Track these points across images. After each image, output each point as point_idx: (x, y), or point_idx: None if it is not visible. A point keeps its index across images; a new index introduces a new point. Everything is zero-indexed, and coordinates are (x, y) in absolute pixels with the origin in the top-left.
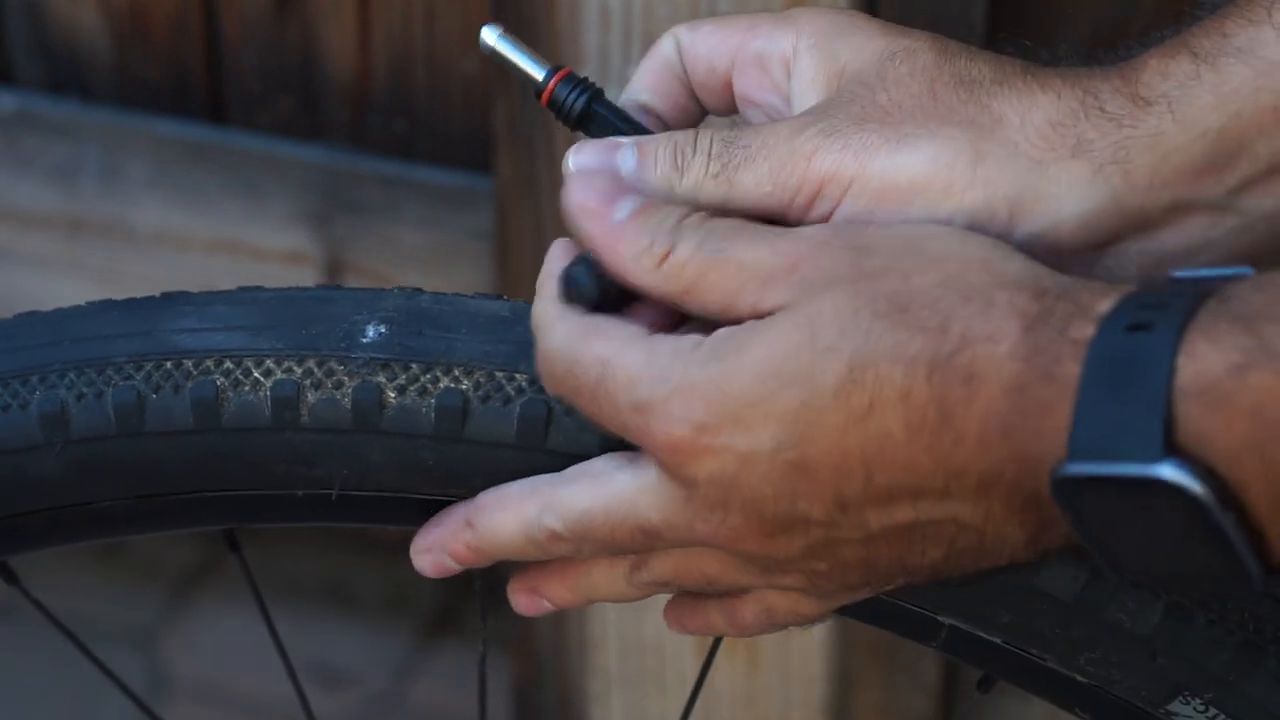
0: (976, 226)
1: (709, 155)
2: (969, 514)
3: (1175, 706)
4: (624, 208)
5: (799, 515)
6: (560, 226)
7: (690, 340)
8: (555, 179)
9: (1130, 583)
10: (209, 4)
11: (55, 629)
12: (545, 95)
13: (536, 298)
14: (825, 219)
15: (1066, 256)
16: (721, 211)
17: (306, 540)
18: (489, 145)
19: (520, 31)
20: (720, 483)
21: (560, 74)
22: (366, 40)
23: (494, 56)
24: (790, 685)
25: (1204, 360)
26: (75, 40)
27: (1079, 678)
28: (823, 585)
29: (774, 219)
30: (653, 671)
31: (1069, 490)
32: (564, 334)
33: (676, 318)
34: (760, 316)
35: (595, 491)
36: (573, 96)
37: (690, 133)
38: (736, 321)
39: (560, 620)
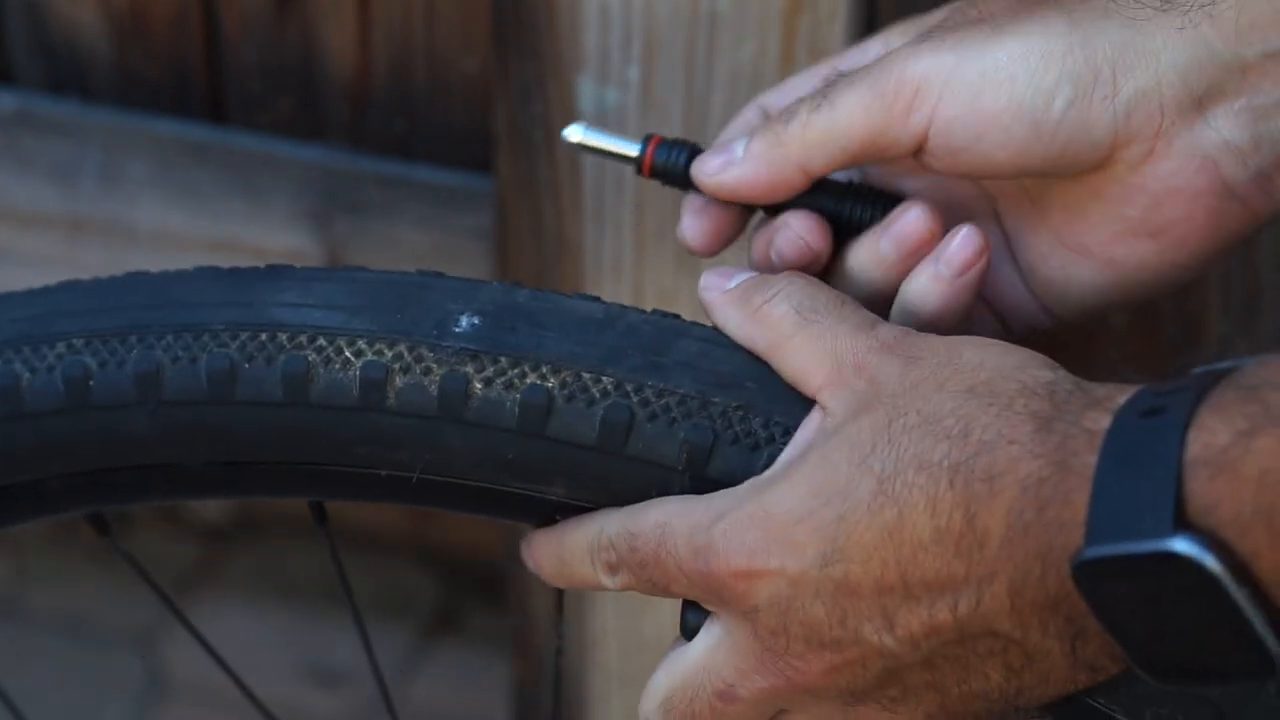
0: (1082, 90)
1: (813, 94)
2: (1006, 625)
3: None
4: (738, 279)
5: (852, 636)
6: (559, 225)
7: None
8: (555, 179)
9: (1165, 686)
10: (209, 4)
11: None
12: (646, 168)
13: None
14: (923, 130)
15: (1175, 119)
16: (828, 139)
17: (306, 540)
18: (489, 145)
19: (520, 32)
20: (778, 607)
21: (653, 143)
22: (366, 40)
23: (582, 150)
24: None
25: (1212, 431)
26: (75, 40)
27: None
28: (906, 716)
29: (877, 140)
30: (653, 671)
31: (1089, 577)
32: (619, 517)
33: None
34: (819, 408)
35: (670, 671)
36: (673, 157)
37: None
38: (802, 399)
39: (561, 620)
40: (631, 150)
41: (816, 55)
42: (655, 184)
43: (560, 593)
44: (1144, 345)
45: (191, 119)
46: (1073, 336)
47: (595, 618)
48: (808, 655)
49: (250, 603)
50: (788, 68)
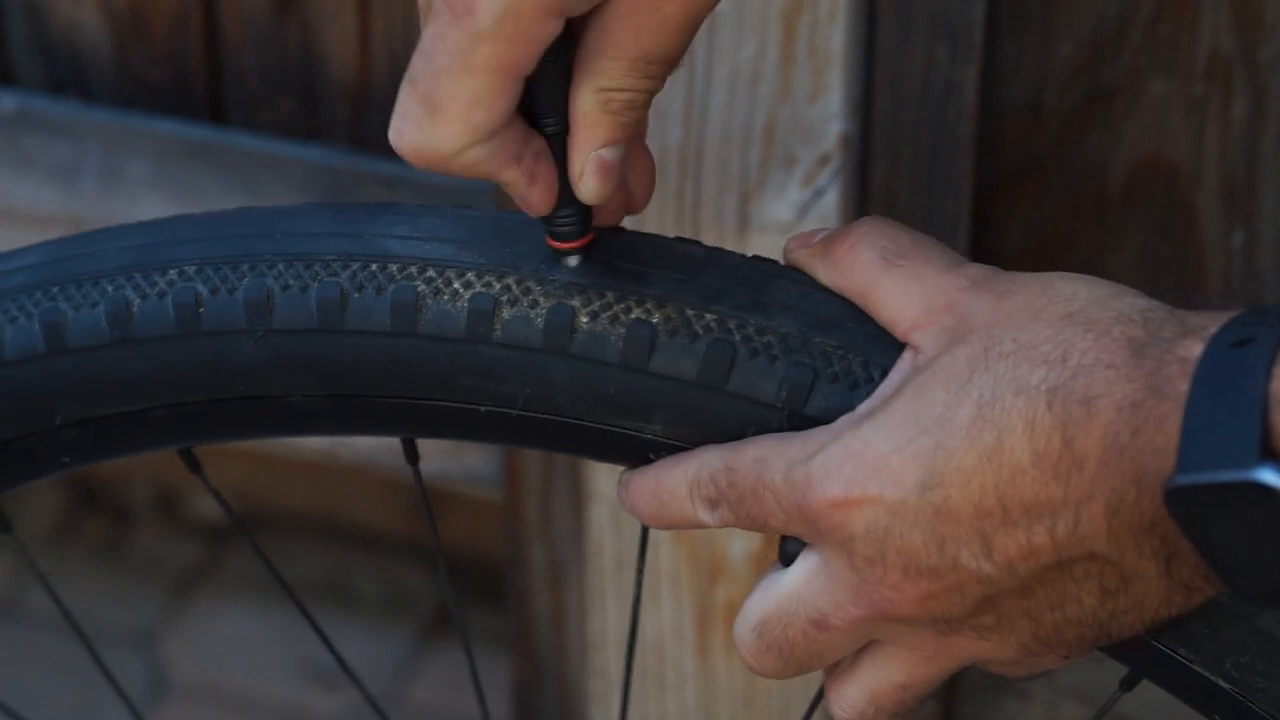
0: None
1: None
2: (1104, 547)
3: None
4: (821, 234)
5: (949, 562)
6: None
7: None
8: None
9: (1258, 606)
10: (209, 4)
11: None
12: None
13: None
14: None
15: None
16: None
17: (308, 540)
18: None
19: None
20: (874, 535)
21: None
22: (367, 40)
23: None
24: (790, 685)
25: None
26: (75, 40)
27: (1223, 683)
28: (999, 644)
29: None
30: (653, 671)
31: (1181, 503)
32: (719, 453)
33: None
34: (910, 348)
35: (765, 596)
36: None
37: None
38: (899, 341)
39: (561, 621)
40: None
41: (816, 55)
42: (656, 187)
43: (644, 536)
44: None
45: (192, 119)
46: None
47: (595, 619)
48: (903, 584)
49: (250, 603)
50: (788, 68)
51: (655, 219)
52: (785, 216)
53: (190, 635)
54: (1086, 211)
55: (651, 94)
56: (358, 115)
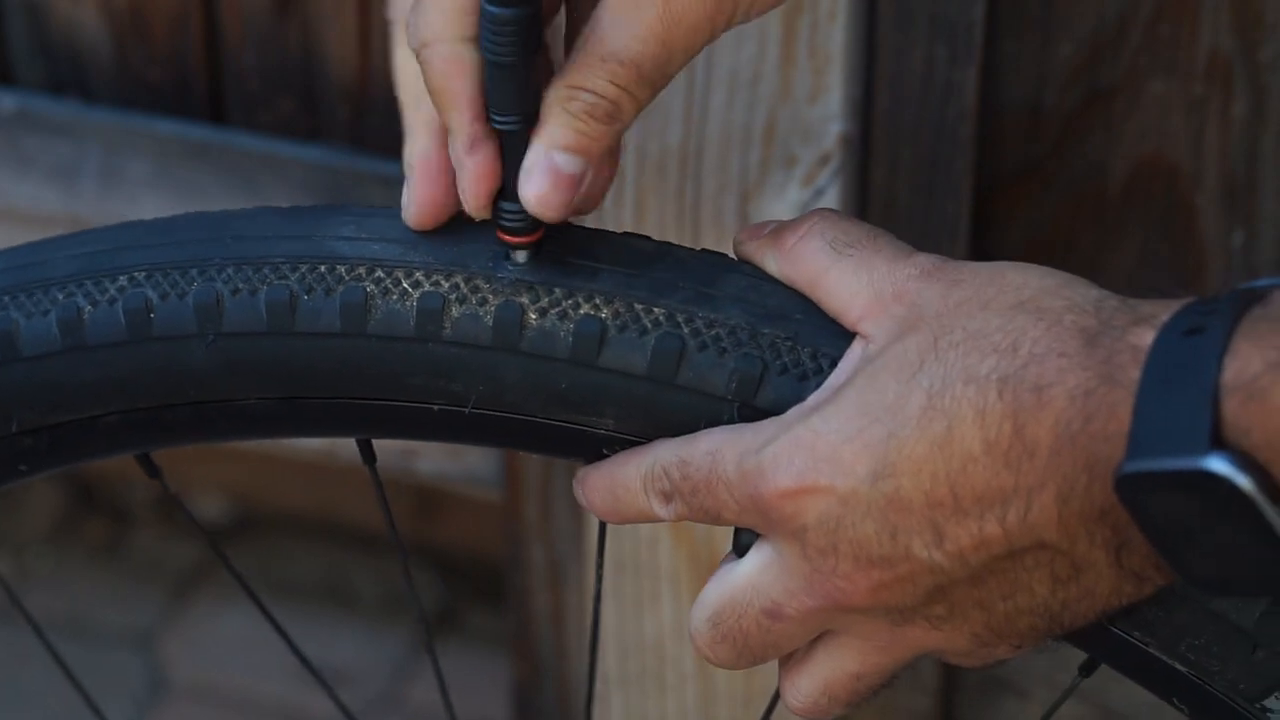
0: None
1: None
2: (1054, 536)
3: (1271, 703)
4: (770, 225)
5: (901, 552)
6: None
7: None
8: None
9: (1208, 594)
10: (209, 4)
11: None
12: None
13: None
14: None
15: None
16: None
17: (306, 540)
18: None
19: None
20: (827, 526)
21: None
22: (367, 40)
23: None
24: None
25: (1246, 358)
26: (75, 40)
27: (1179, 666)
28: (951, 635)
29: None
30: (653, 671)
31: (1131, 490)
32: (671, 447)
33: None
34: (860, 338)
35: (720, 586)
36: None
37: None
38: (849, 331)
39: (560, 620)
40: None
41: (816, 55)
42: (655, 187)
43: (602, 531)
44: None
45: (192, 119)
46: None
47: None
48: (855, 574)
49: (249, 603)
50: (788, 68)
51: (655, 219)
52: (785, 216)
53: (190, 635)
54: (1086, 211)
55: (617, 106)
56: (358, 115)
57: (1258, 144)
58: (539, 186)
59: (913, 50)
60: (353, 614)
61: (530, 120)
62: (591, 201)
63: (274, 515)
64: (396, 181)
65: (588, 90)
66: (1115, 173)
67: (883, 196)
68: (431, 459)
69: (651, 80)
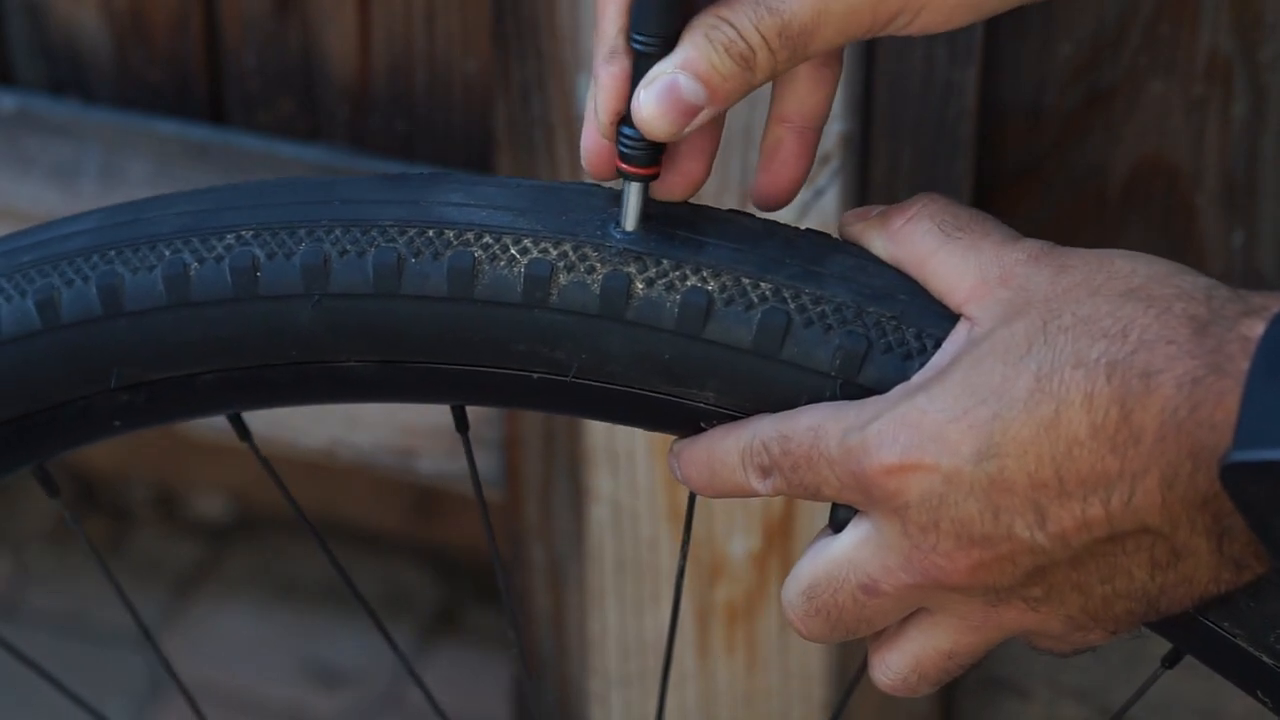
0: None
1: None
2: (1157, 521)
3: None
4: (878, 208)
5: (1003, 532)
6: None
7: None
8: (555, 178)
9: None
10: (209, 4)
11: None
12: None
13: None
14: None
15: None
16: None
17: (306, 540)
18: (489, 145)
19: (520, 32)
20: (929, 503)
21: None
22: (366, 40)
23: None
24: (790, 685)
25: None
26: (75, 40)
27: (1266, 658)
28: (1046, 617)
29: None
30: (653, 671)
31: (1236, 479)
32: (772, 421)
33: None
34: (965, 319)
35: (815, 560)
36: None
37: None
38: (953, 313)
39: (561, 621)
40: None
41: None
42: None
43: (691, 503)
44: None
45: (192, 119)
46: None
47: (595, 619)
48: (955, 553)
49: (250, 602)
50: None
51: None
52: (785, 217)
53: (190, 635)
54: (1086, 211)
55: (753, 53)
56: (358, 115)
57: (1258, 144)
58: (654, 98)
59: (913, 50)
60: (353, 614)
61: (668, 46)
62: (692, 180)
63: (274, 515)
64: None
65: (733, 26)
66: (1115, 173)
67: (883, 196)
68: (431, 458)
69: (793, 44)
